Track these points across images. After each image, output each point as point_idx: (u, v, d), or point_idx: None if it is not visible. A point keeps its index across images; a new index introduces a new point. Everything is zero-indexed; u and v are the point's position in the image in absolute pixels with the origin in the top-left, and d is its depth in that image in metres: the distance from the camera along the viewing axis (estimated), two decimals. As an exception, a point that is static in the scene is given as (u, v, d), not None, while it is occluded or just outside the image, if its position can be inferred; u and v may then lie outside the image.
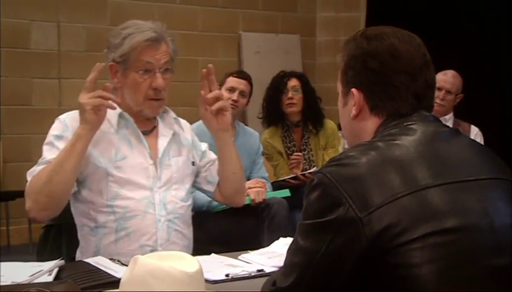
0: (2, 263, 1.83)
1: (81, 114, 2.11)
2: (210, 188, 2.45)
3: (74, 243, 2.28)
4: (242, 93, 3.81)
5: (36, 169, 2.14)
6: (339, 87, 1.49)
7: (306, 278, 1.26)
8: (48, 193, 2.07)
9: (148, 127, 2.31)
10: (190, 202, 2.35)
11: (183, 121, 2.44)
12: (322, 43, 7.51)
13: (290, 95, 4.20)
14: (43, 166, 2.12)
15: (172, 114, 2.40)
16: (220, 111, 2.28)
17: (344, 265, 1.23)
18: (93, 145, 2.16)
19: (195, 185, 2.47)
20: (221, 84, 3.85)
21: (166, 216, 2.22)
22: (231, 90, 3.80)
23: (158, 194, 2.23)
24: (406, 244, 1.19)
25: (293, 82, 4.24)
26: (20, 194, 6.82)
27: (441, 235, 1.21)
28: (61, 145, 2.15)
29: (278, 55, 7.07)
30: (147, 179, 2.22)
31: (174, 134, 2.35)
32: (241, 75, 3.95)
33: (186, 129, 2.43)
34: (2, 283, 1.68)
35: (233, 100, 3.76)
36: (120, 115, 2.25)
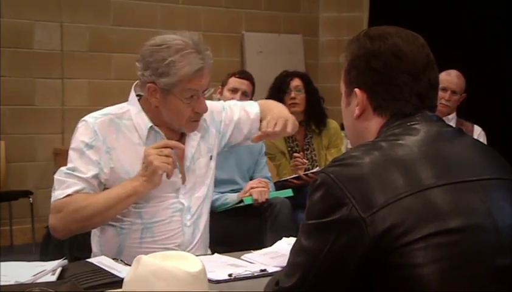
0: (5, 263, 1.84)
1: (150, 175, 2.07)
2: (249, 142, 2.52)
3: (76, 243, 2.29)
4: (244, 94, 3.80)
5: (66, 181, 2.09)
6: (342, 87, 1.49)
7: (309, 278, 1.26)
8: (82, 226, 2.13)
9: (176, 136, 2.25)
10: (211, 193, 2.36)
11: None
12: (325, 43, 7.51)
13: (293, 95, 4.19)
14: (75, 183, 2.08)
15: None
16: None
17: (347, 265, 1.23)
18: (123, 158, 2.14)
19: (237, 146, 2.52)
20: (223, 85, 3.86)
21: (191, 219, 2.24)
22: (234, 90, 3.79)
23: (184, 200, 2.23)
24: (409, 245, 1.19)
25: (296, 82, 4.23)
26: (23, 194, 6.76)
27: (445, 235, 1.21)
28: (92, 154, 2.12)
29: (281, 55, 7.07)
30: (173, 190, 2.22)
31: (201, 136, 2.32)
32: (243, 75, 3.94)
33: (209, 118, 2.34)
34: (5, 283, 1.68)
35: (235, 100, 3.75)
36: (151, 128, 2.19)
